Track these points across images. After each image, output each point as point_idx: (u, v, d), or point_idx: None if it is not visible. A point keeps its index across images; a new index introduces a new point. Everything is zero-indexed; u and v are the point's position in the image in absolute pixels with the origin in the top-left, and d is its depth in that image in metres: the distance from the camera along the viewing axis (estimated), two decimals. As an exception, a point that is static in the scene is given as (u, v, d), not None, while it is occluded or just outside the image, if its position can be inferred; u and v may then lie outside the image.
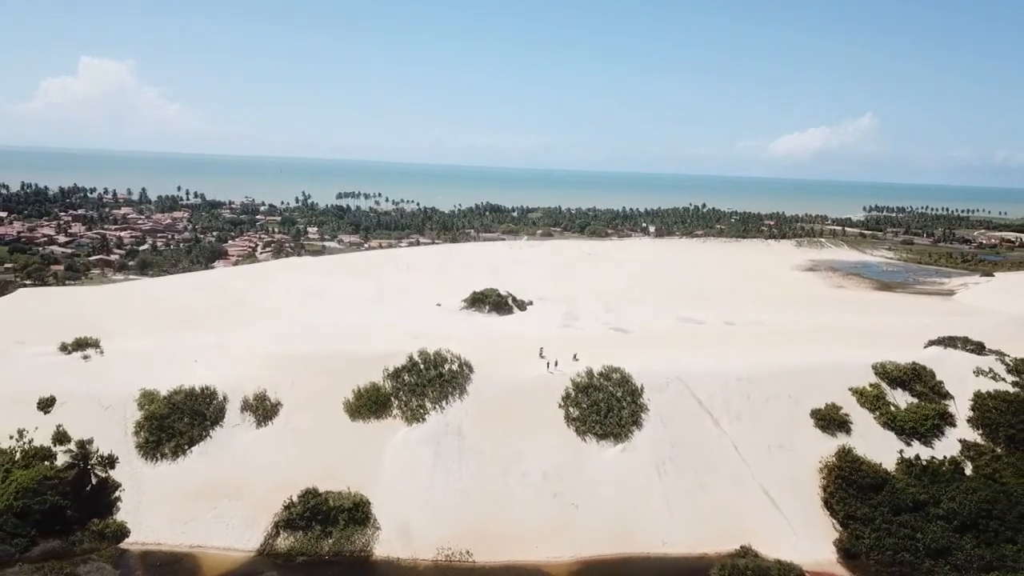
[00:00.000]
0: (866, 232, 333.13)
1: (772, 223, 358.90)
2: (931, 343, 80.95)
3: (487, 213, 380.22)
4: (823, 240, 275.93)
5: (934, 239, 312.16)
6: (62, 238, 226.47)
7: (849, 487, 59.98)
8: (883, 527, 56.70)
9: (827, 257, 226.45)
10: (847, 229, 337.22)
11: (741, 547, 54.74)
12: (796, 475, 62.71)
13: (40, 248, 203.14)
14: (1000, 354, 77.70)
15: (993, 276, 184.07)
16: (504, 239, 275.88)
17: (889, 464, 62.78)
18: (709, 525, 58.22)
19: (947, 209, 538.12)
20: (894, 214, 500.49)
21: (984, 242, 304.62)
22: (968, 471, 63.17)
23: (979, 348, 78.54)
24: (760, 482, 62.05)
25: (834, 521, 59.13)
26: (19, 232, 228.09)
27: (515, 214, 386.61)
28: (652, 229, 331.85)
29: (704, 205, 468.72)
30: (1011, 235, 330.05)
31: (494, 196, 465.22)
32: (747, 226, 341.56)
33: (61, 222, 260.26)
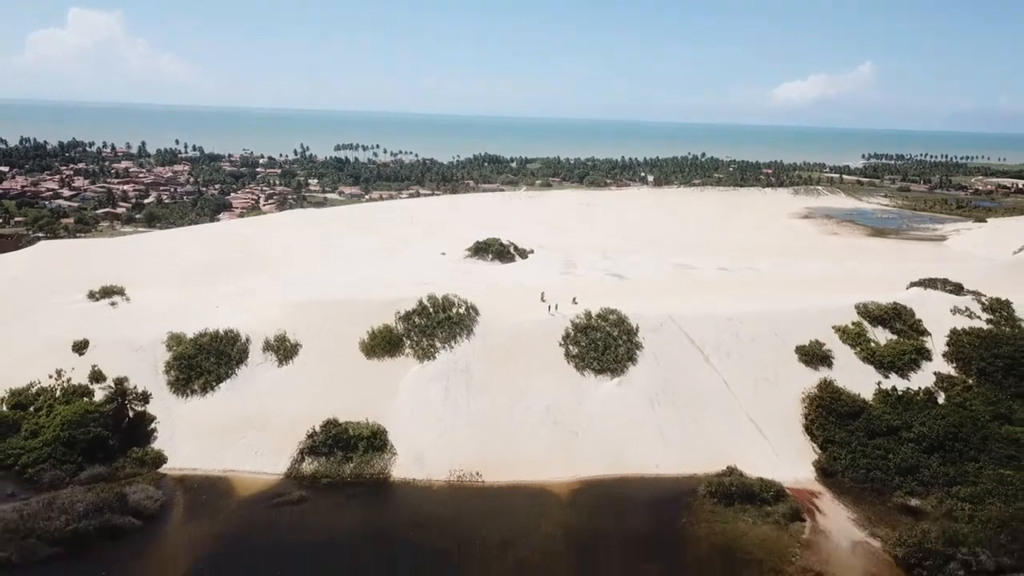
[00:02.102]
0: (863, 180, 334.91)
1: (770, 171, 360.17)
2: (912, 285, 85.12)
3: (486, 164, 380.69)
4: (820, 188, 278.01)
5: (931, 186, 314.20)
6: (67, 192, 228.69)
7: (829, 415, 64.87)
8: (858, 449, 61.74)
9: (823, 205, 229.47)
10: (845, 177, 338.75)
11: (727, 467, 59.81)
12: (780, 406, 67.52)
13: (47, 202, 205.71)
14: (977, 294, 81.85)
15: (986, 222, 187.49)
16: (503, 190, 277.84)
17: (867, 394, 67.53)
18: (699, 451, 63.12)
19: (946, 156, 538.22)
20: (893, 161, 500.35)
21: (980, 188, 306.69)
22: (941, 400, 67.96)
23: (957, 289, 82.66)
24: (747, 412, 66.90)
25: (814, 445, 64.13)
26: (23, 186, 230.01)
27: (514, 165, 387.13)
28: (651, 179, 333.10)
29: (703, 154, 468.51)
30: (1007, 182, 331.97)
31: (492, 147, 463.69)
32: (745, 175, 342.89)
33: (63, 176, 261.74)
